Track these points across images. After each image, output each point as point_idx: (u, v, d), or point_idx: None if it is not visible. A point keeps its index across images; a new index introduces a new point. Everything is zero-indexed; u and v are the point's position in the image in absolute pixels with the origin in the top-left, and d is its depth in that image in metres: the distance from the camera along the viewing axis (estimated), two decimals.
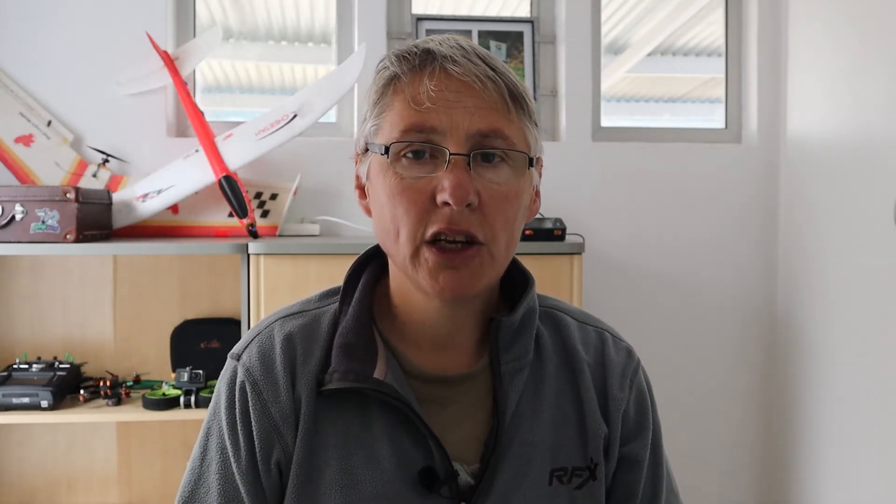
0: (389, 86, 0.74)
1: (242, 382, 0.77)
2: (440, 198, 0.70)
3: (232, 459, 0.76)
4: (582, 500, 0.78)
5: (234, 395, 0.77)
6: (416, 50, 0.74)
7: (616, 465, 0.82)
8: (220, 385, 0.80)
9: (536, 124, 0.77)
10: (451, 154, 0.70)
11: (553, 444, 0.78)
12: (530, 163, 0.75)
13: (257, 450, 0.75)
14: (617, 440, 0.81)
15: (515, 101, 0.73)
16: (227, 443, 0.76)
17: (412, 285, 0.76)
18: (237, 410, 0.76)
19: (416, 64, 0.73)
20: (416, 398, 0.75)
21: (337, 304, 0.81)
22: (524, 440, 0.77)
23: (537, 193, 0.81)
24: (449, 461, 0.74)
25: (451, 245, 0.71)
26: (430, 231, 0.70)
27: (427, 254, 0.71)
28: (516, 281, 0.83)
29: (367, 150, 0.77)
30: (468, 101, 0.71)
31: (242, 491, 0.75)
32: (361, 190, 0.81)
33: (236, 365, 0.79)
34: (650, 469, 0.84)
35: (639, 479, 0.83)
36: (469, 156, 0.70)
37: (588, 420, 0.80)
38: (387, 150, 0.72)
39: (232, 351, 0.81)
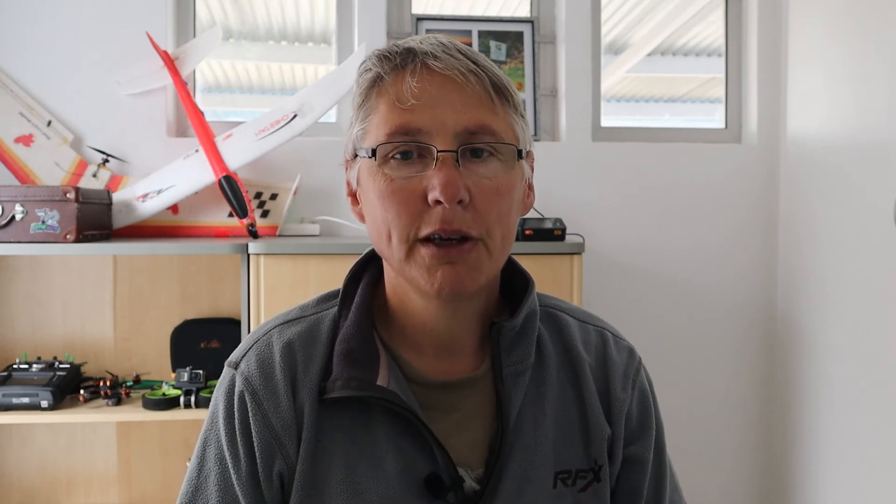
0: (373, 88, 0.73)
1: (241, 392, 0.75)
2: (431, 196, 0.69)
3: (231, 470, 0.74)
4: (587, 502, 0.77)
5: (233, 404, 0.75)
6: (396, 49, 0.73)
7: (620, 466, 0.82)
8: (218, 394, 0.78)
9: (523, 116, 0.76)
10: (438, 151, 0.69)
11: (556, 446, 0.78)
12: (519, 154, 0.74)
13: (258, 461, 0.74)
14: (621, 441, 0.81)
15: (500, 93, 0.72)
16: (226, 453, 0.75)
17: (410, 287, 0.75)
18: (236, 421, 0.75)
19: (398, 63, 0.72)
20: (418, 404, 0.74)
21: (335, 308, 0.80)
22: (528, 444, 0.77)
23: (531, 187, 0.80)
24: (454, 467, 0.73)
25: (446, 241, 0.70)
26: (424, 232, 0.70)
27: (423, 251, 0.70)
28: (516, 282, 0.82)
29: (355, 155, 0.76)
30: (452, 96, 0.70)
31: (243, 503, 0.74)
32: (353, 196, 0.80)
33: (234, 374, 0.77)
34: (654, 468, 0.83)
35: (643, 479, 0.82)
36: (457, 152, 0.70)
37: (591, 422, 0.79)
38: (374, 152, 0.71)
39: (229, 359, 0.79)
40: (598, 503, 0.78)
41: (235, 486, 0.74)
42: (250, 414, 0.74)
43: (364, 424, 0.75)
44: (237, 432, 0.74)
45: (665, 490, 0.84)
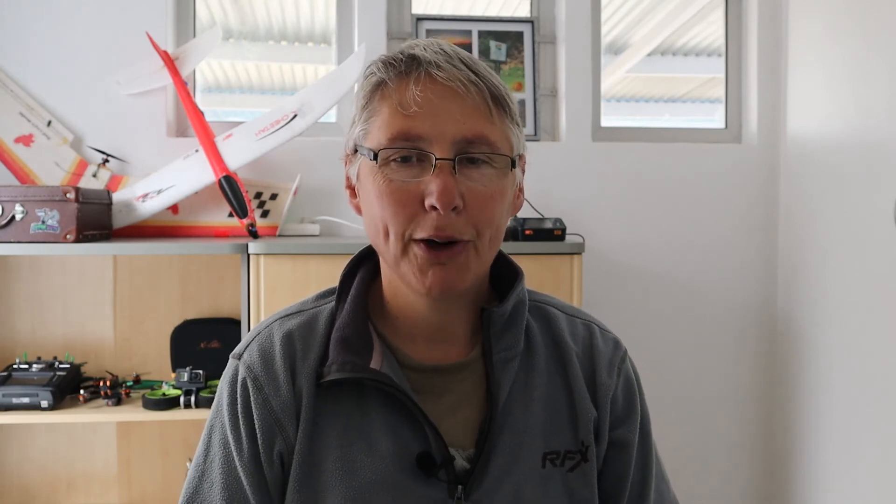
0: (376, 91, 0.77)
1: (244, 379, 0.80)
2: (428, 202, 0.73)
3: (234, 453, 0.78)
4: (574, 482, 0.81)
5: (236, 391, 0.80)
6: (401, 56, 0.77)
7: (606, 449, 0.86)
8: (222, 384, 0.83)
9: (518, 124, 0.80)
10: (437, 159, 0.73)
11: (545, 429, 0.82)
12: (512, 164, 0.78)
13: (259, 443, 0.78)
14: (606, 424, 0.85)
15: (497, 103, 0.76)
16: (230, 437, 0.79)
17: (402, 283, 0.79)
18: (239, 405, 0.79)
19: (402, 70, 0.76)
20: (411, 388, 0.78)
21: (333, 302, 0.85)
22: (517, 426, 0.80)
23: (521, 190, 0.84)
24: (445, 447, 0.77)
25: (438, 244, 0.74)
26: (418, 236, 0.74)
27: (416, 249, 0.75)
28: (505, 274, 0.87)
29: (356, 151, 0.80)
30: (453, 106, 0.74)
31: (245, 483, 0.78)
32: (352, 190, 0.84)
33: (237, 363, 0.82)
34: (639, 454, 0.87)
35: (628, 462, 0.86)
36: (454, 160, 0.73)
37: (578, 405, 0.83)
38: (375, 155, 0.75)
39: (233, 351, 0.84)
40: (585, 482, 0.82)
41: (238, 467, 0.78)
42: (252, 398, 0.79)
43: (360, 408, 0.79)
44: (240, 416, 0.79)
45: (651, 475, 0.88)
